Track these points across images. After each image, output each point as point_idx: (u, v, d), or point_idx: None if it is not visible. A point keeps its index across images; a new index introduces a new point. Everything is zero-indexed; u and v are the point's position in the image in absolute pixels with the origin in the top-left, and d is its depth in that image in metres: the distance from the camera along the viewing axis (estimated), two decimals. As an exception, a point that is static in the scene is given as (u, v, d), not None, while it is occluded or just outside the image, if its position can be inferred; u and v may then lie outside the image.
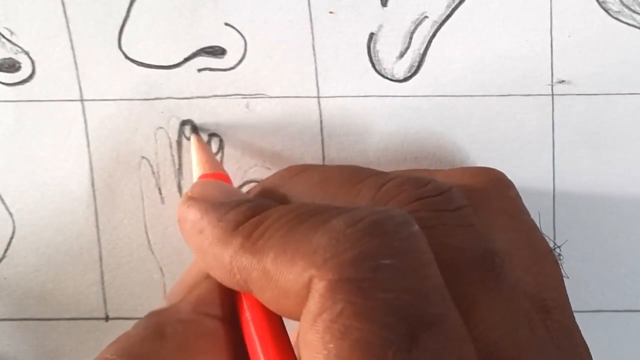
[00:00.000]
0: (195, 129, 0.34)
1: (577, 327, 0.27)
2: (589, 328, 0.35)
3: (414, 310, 0.20)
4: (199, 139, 0.33)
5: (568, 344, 0.26)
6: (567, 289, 0.35)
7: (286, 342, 0.24)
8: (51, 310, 0.36)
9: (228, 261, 0.24)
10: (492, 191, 0.29)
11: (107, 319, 0.36)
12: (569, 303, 0.28)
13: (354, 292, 0.20)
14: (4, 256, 0.36)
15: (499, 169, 0.34)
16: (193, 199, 0.27)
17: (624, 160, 0.35)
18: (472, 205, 0.27)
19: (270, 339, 0.24)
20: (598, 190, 0.35)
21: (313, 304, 0.21)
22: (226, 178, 0.31)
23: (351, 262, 0.21)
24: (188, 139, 0.35)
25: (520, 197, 0.30)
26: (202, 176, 0.31)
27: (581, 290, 0.36)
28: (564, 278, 0.28)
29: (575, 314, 0.35)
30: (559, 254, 0.29)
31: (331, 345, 0.20)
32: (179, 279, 0.28)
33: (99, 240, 0.36)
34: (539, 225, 0.30)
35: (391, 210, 0.23)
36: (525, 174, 0.35)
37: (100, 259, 0.36)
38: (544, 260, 0.28)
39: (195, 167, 0.32)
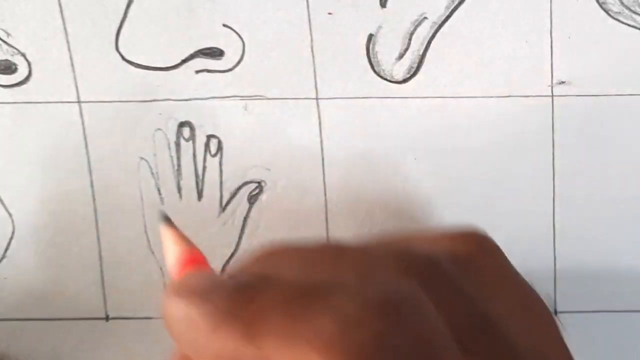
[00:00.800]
0: (166, 217, 0.33)
1: None
2: (589, 328, 0.36)
3: None
4: (172, 231, 0.32)
5: None
6: (566, 289, 0.36)
7: None
8: (51, 310, 0.36)
9: (225, 351, 0.22)
10: (477, 256, 0.28)
11: (107, 318, 0.37)
12: (570, 355, 0.28)
13: None
14: (4, 256, 0.36)
15: (499, 169, 0.34)
16: (176, 294, 0.25)
17: (624, 160, 0.34)
18: (461, 273, 0.26)
19: None
20: (598, 190, 0.35)
21: None
22: (202, 258, 0.31)
23: (359, 346, 0.20)
24: (187, 140, 0.35)
25: (508, 260, 0.30)
26: (182, 264, 0.30)
27: (581, 290, 0.36)
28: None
29: (575, 314, 0.36)
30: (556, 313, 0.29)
31: None
32: None
33: (98, 240, 0.36)
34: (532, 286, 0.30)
35: (398, 284, 0.22)
36: (525, 174, 0.35)
37: (100, 259, 0.36)
38: (541, 322, 0.28)
39: (168, 254, 0.31)
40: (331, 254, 0.27)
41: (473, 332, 0.24)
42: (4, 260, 0.36)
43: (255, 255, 0.29)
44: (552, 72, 0.34)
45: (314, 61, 0.34)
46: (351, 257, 0.26)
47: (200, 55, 0.34)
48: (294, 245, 0.28)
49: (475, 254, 0.28)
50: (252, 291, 0.23)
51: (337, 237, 0.35)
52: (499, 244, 0.30)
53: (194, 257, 0.29)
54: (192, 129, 0.35)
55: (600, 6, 0.33)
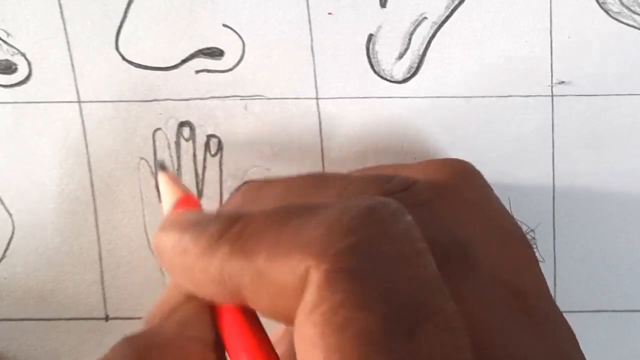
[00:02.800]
0: (163, 165, 0.33)
1: (557, 309, 0.27)
2: (589, 328, 0.36)
3: (414, 300, 0.20)
4: (168, 177, 0.33)
5: (547, 327, 0.25)
6: (567, 289, 0.36)
7: (274, 356, 0.24)
8: (51, 310, 0.36)
9: (217, 271, 0.23)
10: (458, 182, 0.28)
11: (107, 318, 0.37)
12: (546, 286, 0.27)
13: (353, 282, 0.20)
14: (3, 256, 0.36)
15: (499, 169, 0.34)
16: (167, 227, 0.26)
17: (624, 161, 0.34)
18: (439, 197, 0.26)
19: (258, 353, 0.24)
20: (598, 190, 0.35)
21: (310, 295, 0.20)
22: (196, 202, 0.31)
23: (349, 251, 0.20)
24: (187, 140, 0.35)
25: (489, 186, 0.30)
26: (174, 206, 0.31)
27: (581, 290, 0.36)
28: (539, 262, 0.28)
29: (575, 314, 0.36)
30: (533, 238, 0.29)
31: (331, 339, 0.19)
32: (157, 302, 0.27)
33: (98, 240, 0.36)
34: (510, 210, 0.30)
35: (383, 198, 0.22)
36: (525, 175, 0.35)
37: (100, 259, 0.36)
38: (516, 247, 0.28)
39: (164, 200, 0.32)
40: (313, 183, 0.27)
41: (446, 257, 0.24)
42: (4, 260, 0.36)
43: (239, 190, 0.29)
44: (552, 72, 0.34)
45: (314, 61, 0.34)
46: (332, 184, 0.26)
47: (201, 55, 0.34)
48: (279, 179, 0.28)
49: (455, 180, 0.28)
50: (242, 216, 0.23)
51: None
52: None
53: (188, 201, 0.29)
54: (192, 128, 0.35)
55: (600, 6, 0.33)
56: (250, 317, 0.24)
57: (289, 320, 0.22)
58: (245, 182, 0.30)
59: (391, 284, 0.20)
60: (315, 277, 0.20)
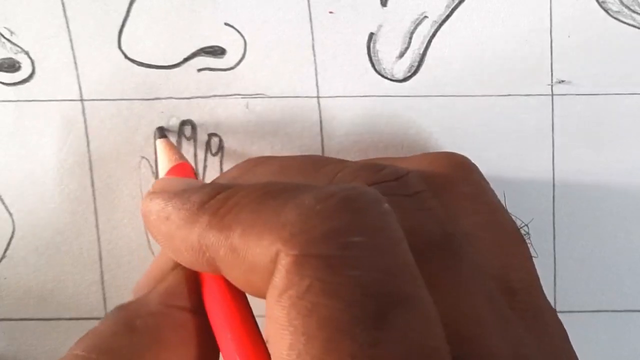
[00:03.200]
0: (162, 132, 0.33)
1: (549, 306, 0.27)
2: (589, 328, 0.36)
3: (383, 288, 0.20)
4: (165, 142, 0.33)
5: (536, 322, 0.25)
6: (567, 289, 0.36)
7: (254, 325, 0.24)
8: (51, 310, 0.36)
9: (196, 240, 0.23)
10: (453, 175, 0.29)
11: (107, 319, 0.36)
12: (539, 282, 0.27)
13: (322, 269, 0.20)
14: (3, 256, 0.36)
15: (499, 168, 0.34)
16: (155, 192, 0.26)
17: (624, 160, 0.35)
18: (432, 189, 0.27)
19: (238, 322, 0.24)
20: (598, 190, 0.35)
21: (279, 279, 0.21)
22: (190, 170, 0.31)
23: (320, 238, 0.21)
24: (188, 139, 0.35)
25: (485, 179, 0.30)
26: (168, 172, 0.31)
27: (581, 290, 0.36)
28: (533, 257, 0.28)
29: (575, 314, 0.36)
30: (527, 233, 0.29)
31: (297, 322, 0.20)
32: (146, 272, 0.28)
33: (98, 240, 0.36)
34: (505, 206, 0.30)
35: (362, 187, 0.23)
36: (525, 174, 0.35)
37: (100, 259, 0.36)
38: (509, 241, 0.28)
39: (160, 167, 0.32)
40: (309, 164, 0.27)
41: (431, 248, 0.24)
42: (4, 260, 0.36)
43: (240, 164, 0.29)
44: (552, 71, 0.34)
45: (315, 60, 0.34)
46: (326, 168, 0.26)
47: (202, 54, 0.35)
48: (278, 157, 0.28)
49: (450, 173, 0.28)
50: (226, 189, 0.24)
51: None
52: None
53: (182, 168, 0.29)
54: (193, 127, 0.35)
55: (600, 6, 0.33)
56: (232, 286, 0.24)
57: (261, 295, 0.22)
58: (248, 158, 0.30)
59: (360, 272, 0.20)
60: (285, 261, 0.21)
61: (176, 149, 0.33)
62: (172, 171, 0.31)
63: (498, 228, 0.28)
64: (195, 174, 0.32)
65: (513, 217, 0.29)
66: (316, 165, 0.28)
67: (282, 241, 0.21)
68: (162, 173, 0.30)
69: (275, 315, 0.20)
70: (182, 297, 0.26)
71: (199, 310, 0.26)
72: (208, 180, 0.35)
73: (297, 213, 0.21)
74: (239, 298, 0.25)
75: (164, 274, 0.27)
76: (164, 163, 0.32)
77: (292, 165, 0.28)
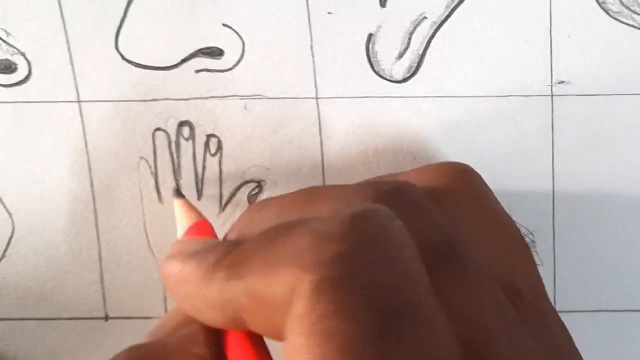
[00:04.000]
0: (179, 193, 0.33)
1: (552, 308, 0.27)
2: (589, 328, 0.36)
3: (398, 308, 0.20)
4: (183, 202, 0.33)
5: (541, 324, 0.25)
6: (567, 289, 0.36)
7: None
8: (51, 310, 0.36)
9: (217, 297, 0.23)
10: (455, 183, 0.29)
11: (107, 318, 0.37)
12: (543, 286, 0.27)
13: (336, 291, 0.20)
14: (3, 256, 0.36)
15: (498, 169, 0.34)
16: (173, 256, 0.26)
17: (624, 161, 0.34)
18: (435, 199, 0.26)
19: None
20: (598, 190, 0.35)
21: (299, 307, 0.20)
22: (209, 228, 0.31)
23: (333, 259, 0.21)
24: (187, 140, 0.35)
25: (487, 186, 0.30)
26: (187, 231, 0.31)
27: (581, 290, 0.36)
28: (538, 265, 0.28)
29: (575, 314, 0.36)
30: (532, 241, 0.29)
31: (317, 350, 0.20)
32: (162, 320, 0.28)
33: (98, 240, 0.36)
34: (509, 212, 0.30)
35: (371, 205, 0.23)
36: (525, 174, 0.35)
37: (100, 259, 0.36)
38: (514, 248, 0.28)
39: (179, 227, 0.32)
40: (308, 196, 0.27)
41: (436, 256, 0.24)
42: (4, 260, 0.36)
43: (244, 214, 0.29)
44: (552, 71, 0.34)
45: (314, 61, 0.34)
46: (324, 196, 0.26)
47: (201, 55, 0.34)
48: (277, 198, 0.28)
49: (452, 181, 0.28)
50: (237, 243, 0.24)
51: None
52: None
53: (201, 227, 0.29)
54: (192, 128, 0.35)
55: (600, 6, 0.33)
56: (256, 342, 0.25)
57: (284, 338, 0.22)
58: (249, 204, 0.30)
59: (375, 292, 0.20)
60: (304, 288, 0.21)
61: (194, 208, 0.33)
62: (191, 230, 0.31)
63: (502, 235, 0.28)
64: (214, 232, 0.32)
65: (518, 225, 0.29)
66: (314, 195, 0.27)
67: (299, 269, 0.21)
68: (181, 233, 0.31)
69: (294, 344, 0.20)
70: (203, 346, 0.26)
71: None
72: (208, 182, 0.35)
73: (309, 239, 0.21)
74: (262, 354, 0.25)
75: (184, 322, 0.26)
76: (183, 222, 0.32)
77: (291, 202, 0.28)
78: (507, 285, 0.26)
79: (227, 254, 0.24)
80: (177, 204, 0.32)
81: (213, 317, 0.24)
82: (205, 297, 0.24)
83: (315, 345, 0.20)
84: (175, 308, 0.28)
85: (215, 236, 0.31)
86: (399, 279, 0.21)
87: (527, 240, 0.29)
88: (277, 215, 0.27)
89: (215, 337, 0.26)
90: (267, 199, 0.30)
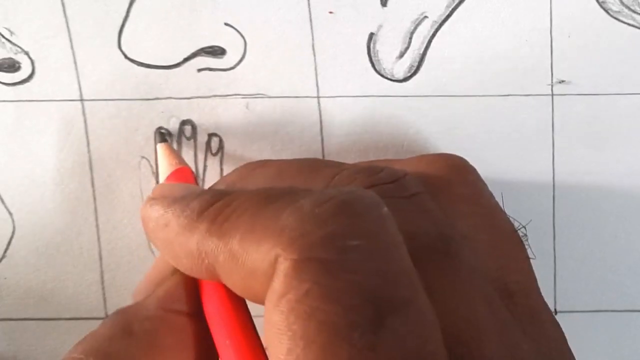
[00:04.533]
0: (162, 136, 0.34)
1: (546, 308, 0.27)
2: (589, 328, 0.36)
3: (382, 293, 0.20)
4: (165, 146, 0.33)
5: (534, 325, 0.25)
6: (567, 289, 0.36)
7: (253, 331, 0.24)
8: (51, 310, 0.36)
9: (195, 247, 0.23)
10: (450, 177, 0.29)
11: (107, 318, 0.36)
12: (536, 284, 0.27)
13: (320, 273, 0.20)
14: (3, 256, 0.36)
15: (499, 168, 0.34)
16: (155, 198, 0.26)
17: (624, 160, 0.35)
18: (430, 191, 0.27)
19: (237, 328, 0.24)
20: (598, 190, 0.35)
21: (278, 283, 0.21)
22: (190, 174, 0.31)
23: (319, 242, 0.21)
24: (188, 139, 0.35)
25: (482, 181, 0.30)
26: (174, 173, 0.31)
27: (581, 290, 0.36)
28: (531, 259, 0.28)
29: (575, 314, 0.36)
30: (525, 234, 0.29)
31: (296, 326, 0.20)
32: (145, 276, 0.28)
33: (98, 240, 0.36)
34: (503, 207, 0.30)
35: (361, 190, 0.23)
36: (525, 174, 0.35)
37: (100, 259, 0.36)
38: (507, 243, 0.28)
39: (160, 171, 0.32)
40: (307, 167, 0.27)
41: (429, 250, 0.24)
42: (4, 260, 0.36)
43: (239, 169, 0.29)
44: (552, 71, 0.34)
45: (315, 60, 0.34)
46: (323, 171, 0.26)
47: (202, 54, 0.35)
48: (276, 161, 0.28)
49: (448, 174, 0.28)
50: (224, 195, 0.24)
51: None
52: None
53: (183, 173, 0.29)
54: (193, 127, 0.35)
55: (600, 5, 0.33)
56: (232, 291, 0.24)
57: (260, 301, 0.22)
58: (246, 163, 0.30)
59: (359, 277, 0.20)
60: (284, 265, 0.21)
61: (177, 153, 0.33)
62: (172, 176, 0.31)
63: (495, 230, 0.28)
64: (196, 179, 0.32)
65: (511, 218, 0.29)
66: (313, 168, 0.28)
67: (281, 246, 0.21)
68: (162, 178, 0.31)
69: (274, 320, 0.20)
70: (181, 301, 0.26)
71: (197, 315, 0.26)
72: (208, 182, 0.35)
73: (296, 218, 0.21)
74: (238, 304, 0.25)
75: (163, 278, 0.27)
76: (164, 168, 0.32)
77: (290, 169, 0.28)
78: (500, 284, 0.26)
79: (211, 204, 0.24)
80: (160, 147, 0.32)
81: (189, 266, 0.24)
82: (184, 245, 0.24)
83: (295, 323, 0.20)
84: (157, 261, 0.28)
85: (197, 184, 0.31)
86: (389, 269, 0.21)
87: (520, 233, 0.29)
88: (274, 178, 0.27)
89: (194, 291, 0.26)
90: (264, 160, 0.30)
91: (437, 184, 0.28)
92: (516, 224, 0.29)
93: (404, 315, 0.20)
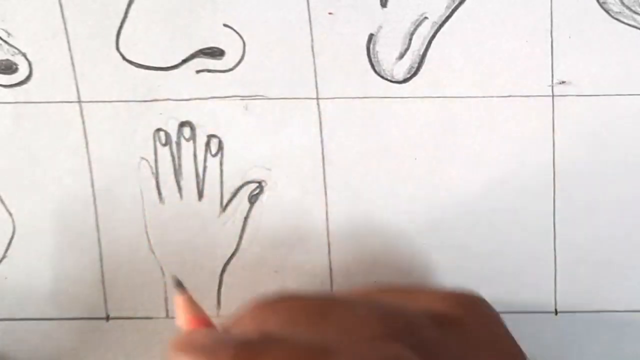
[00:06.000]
0: (180, 285, 0.33)
1: None
2: (589, 328, 0.36)
3: None
4: (182, 295, 0.33)
5: None
6: (567, 289, 0.36)
7: None
8: (51, 310, 0.36)
9: None
10: (468, 319, 0.28)
11: (107, 318, 0.37)
12: None
13: None
14: (4, 256, 0.36)
15: (499, 169, 0.34)
16: (182, 349, 0.26)
17: (624, 161, 0.34)
18: (444, 331, 0.27)
19: None
20: (598, 190, 0.35)
21: None
22: (209, 322, 0.31)
23: None
24: (187, 140, 0.35)
25: (496, 314, 0.30)
26: (189, 326, 0.31)
27: (581, 290, 0.36)
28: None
29: (575, 314, 0.36)
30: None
31: None
32: None
33: (99, 240, 0.36)
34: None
35: (387, 348, 0.23)
36: (525, 174, 0.35)
37: (101, 259, 0.36)
38: None
39: (179, 319, 0.32)
40: (319, 309, 0.27)
41: None
42: (4, 260, 0.36)
43: (248, 308, 0.29)
44: (552, 72, 0.34)
45: (314, 61, 0.34)
46: (335, 314, 0.26)
47: (201, 55, 0.34)
48: (281, 298, 0.28)
49: (465, 316, 0.28)
50: (254, 350, 0.24)
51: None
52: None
53: (202, 321, 0.29)
54: (192, 128, 0.35)
55: (601, 6, 0.33)
56: None
57: None
58: (255, 300, 0.30)
59: None
60: None
61: (194, 302, 0.32)
62: (192, 325, 0.30)
63: None
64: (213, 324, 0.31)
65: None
66: (323, 310, 0.27)
67: None
68: (180, 324, 0.30)
69: None
70: None
71: None
72: (208, 182, 0.35)
73: None
74: None
75: None
76: (183, 316, 0.31)
77: (301, 312, 0.28)
78: None
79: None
80: (178, 298, 0.32)
81: None
82: None
83: None
84: None
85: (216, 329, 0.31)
86: None
87: None
88: (289, 323, 0.27)
89: None
90: (272, 299, 0.29)
91: (452, 326, 0.28)
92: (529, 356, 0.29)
93: None
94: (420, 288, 0.32)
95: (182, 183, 0.36)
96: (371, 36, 0.34)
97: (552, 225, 0.35)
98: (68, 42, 0.34)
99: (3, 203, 0.36)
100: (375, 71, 0.34)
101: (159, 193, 0.36)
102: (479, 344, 0.28)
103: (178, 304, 0.31)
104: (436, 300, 0.29)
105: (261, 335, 0.26)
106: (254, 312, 0.29)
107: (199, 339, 0.26)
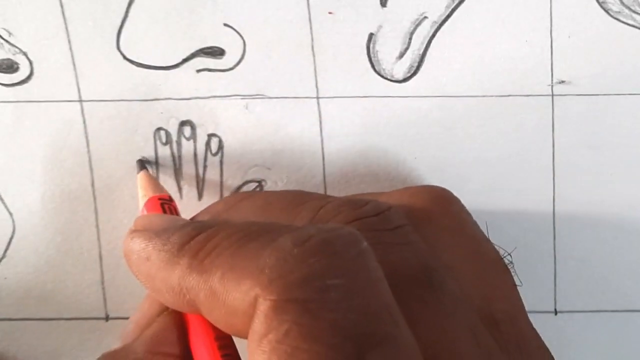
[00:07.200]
0: (142, 165, 0.34)
1: (534, 335, 0.27)
2: (589, 328, 0.36)
3: (362, 329, 0.20)
4: (142, 175, 0.33)
5: (521, 353, 0.25)
6: (567, 289, 0.36)
7: None
8: (51, 310, 0.36)
9: (177, 283, 0.23)
10: (434, 208, 0.29)
11: (107, 318, 0.37)
12: (524, 311, 0.28)
13: (300, 313, 0.20)
14: (4, 256, 0.36)
15: (499, 169, 0.34)
16: (137, 231, 0.26)
17: (624, 160, 0.35)
18: (413, 223, 0.27)
19: None
20: (598, 190, 0.35)
21: (258, 324, 0.21)
22: (171, 202, 0.31)
23: (298, 282, 0.21)
24: (188, 139, 0.35)
25: (467, 211, 0.30)
26: (146, 203, 0.31)
27: (581, 290, 0.36)
28: (518, 285, 0.28)
29: (575, 314, 0.36)
30: (510, 262, 0.29)
31: None
32: (132, 317, 0.28)
33: (99, 240, 0.36)
34: (488, 236, 0.30)
35: (340, 228, 0.23)
36: (525, 174, 0.35)
37: (100, 259, 0.36)
38: (492, 272, 0.28)
39: (139, 199, 0.32)
40: (292, 200, 0.27)
41: (412, 282, 0.24)
42: (4, 260, 0.36)
43: (225, 199, 0.29)
44: (552, 71, 0.34)
45: (314, 60, 0.34)
46: (309, 204, 0.27)
47: (201, 55, 0.35)
48: (263, 193, 0.28)
49: (430, 206, 0.28)
50: (207, 229, 0.24)
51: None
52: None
53: (161, 196, 0.29)
54: (193, 128, 0.35)
55: (600, 6, 0.33)
56: (217, 328, 0.24)
57: (243, 337, 0.22)
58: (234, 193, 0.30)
59: (339, 315, 0.20)
60: (263, 306, 0.21)
61: (155, 182, 0.33)
62: (149, 204, 0.31)
63: (480, 259, 0.28)
64: (176, 208, 0.32)
65: (496, 246, 0.29)
66: (298, 201, 0.28)
67: (261, 286, 0.21)
68: (140, 206, 0.31)
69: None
70: (169, 343, 0.26)
71: (185, 356, 0.26)
72: (208, 182, 0.35)
73: (275, 257, 0.21)
74: (224, 341, 0.25)
75: (150, 320, 0.27)
76: (143, 197, 0.32)
77: (275, 201, 0.28)
78: (486, 313, 0.26)
79: (192, 238, 0.24)
80: (139, 177, 0.32)
81: (171, 300, 0.24)
82: (166, 280, 0.24)
83: None
84: (144, 300, 0.28)
85: (179, 213, 0.31)
86: (369, 305, 0.21)
87: (505, 260, 0.29)
88: (261, 210, 0.28)
89: (182, 332, 0.26)
90: (251, 192, 0.30)
91: (420, 216, 0.28)
92: (501, 252, 0.29)
93: (385, 350, 0.20)
94: (390, 191, 0.32)
95: (182, 182, 0.36)
96: (371, 35, 0.34)
97: (552, 225, 0.35)
98: (69, 41, 0.34)
99: (3, 203, 0.36)
100: (375, 70, 0.34)
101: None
102: (446, 233, 0.28)
103: (139, 181, 0.31)
104: (407, 195, 0.29)
105: (219, 218, 0.26)
106: (228, 199, 0.29)
107: (154, 220, 0.26)
